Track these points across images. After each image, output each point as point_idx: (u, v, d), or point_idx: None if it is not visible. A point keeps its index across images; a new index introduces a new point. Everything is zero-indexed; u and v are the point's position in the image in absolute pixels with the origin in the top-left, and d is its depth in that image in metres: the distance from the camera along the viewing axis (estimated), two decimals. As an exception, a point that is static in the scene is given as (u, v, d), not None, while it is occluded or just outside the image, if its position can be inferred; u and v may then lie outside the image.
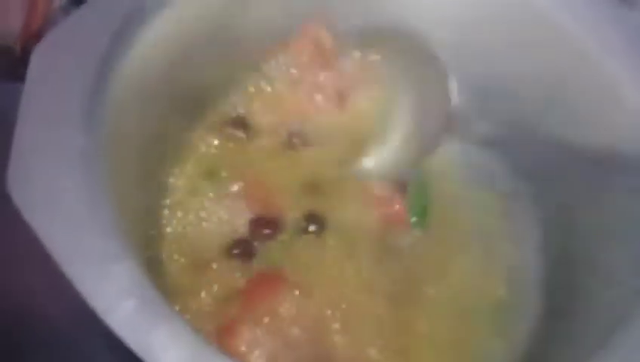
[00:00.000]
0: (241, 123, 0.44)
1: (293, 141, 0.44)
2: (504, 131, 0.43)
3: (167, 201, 0.40)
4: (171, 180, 0.41)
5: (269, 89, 0.45)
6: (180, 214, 0.40)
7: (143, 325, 0.24)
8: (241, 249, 0.39)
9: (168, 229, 0.39)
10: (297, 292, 0.37)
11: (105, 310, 0.24)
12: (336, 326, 0.37)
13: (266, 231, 0.40)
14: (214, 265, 0.39)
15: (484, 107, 0.44)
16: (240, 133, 0.43)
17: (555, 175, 0.40)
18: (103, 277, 0.25)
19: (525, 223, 0.42)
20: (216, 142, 0.43)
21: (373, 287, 0.39)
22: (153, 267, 0.34)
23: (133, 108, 0.34)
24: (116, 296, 0.24)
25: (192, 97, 0.41)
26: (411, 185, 0.43)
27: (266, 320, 0.37)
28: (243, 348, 0.35)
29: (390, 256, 0.41)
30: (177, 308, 0.33)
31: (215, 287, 0.38)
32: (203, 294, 0.38)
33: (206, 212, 0.40)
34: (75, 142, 0.28)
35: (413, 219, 0.42)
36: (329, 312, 0.38)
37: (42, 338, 0.39)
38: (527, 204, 0.43)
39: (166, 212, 0.39)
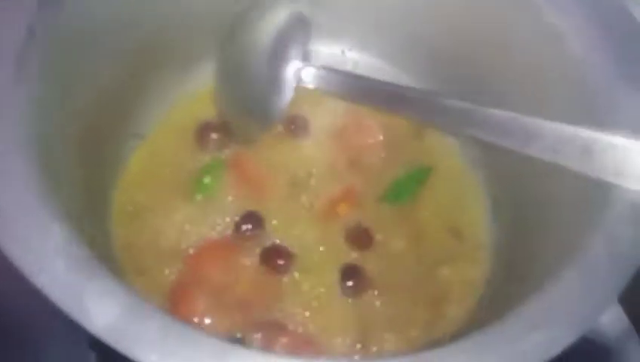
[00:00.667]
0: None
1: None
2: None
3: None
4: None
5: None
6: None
7: (73, 284, 0.24)
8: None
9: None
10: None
11: (33, 271, 0.24)
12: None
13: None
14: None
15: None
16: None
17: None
18: (31, 240, 0.24)
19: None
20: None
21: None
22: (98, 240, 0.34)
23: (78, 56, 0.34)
24: (46, 257, 0.24)
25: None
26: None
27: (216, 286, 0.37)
28: (195, 318, 0.36)
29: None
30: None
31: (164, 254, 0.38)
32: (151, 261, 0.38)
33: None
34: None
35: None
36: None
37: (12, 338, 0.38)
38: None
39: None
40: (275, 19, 0.41)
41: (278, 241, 0.39)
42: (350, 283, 0.38)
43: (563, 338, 0.25)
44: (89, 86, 0.37)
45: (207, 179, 0.41)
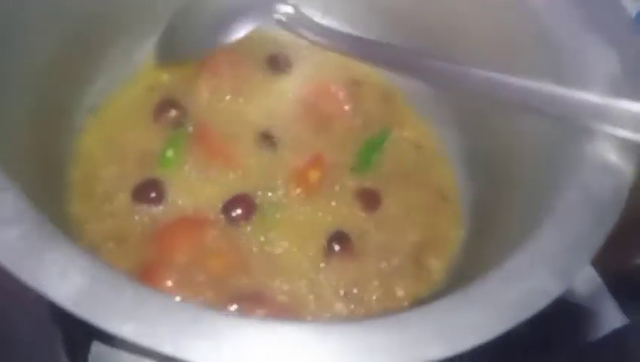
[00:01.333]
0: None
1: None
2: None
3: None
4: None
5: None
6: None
7: (33, 253, 0.22)
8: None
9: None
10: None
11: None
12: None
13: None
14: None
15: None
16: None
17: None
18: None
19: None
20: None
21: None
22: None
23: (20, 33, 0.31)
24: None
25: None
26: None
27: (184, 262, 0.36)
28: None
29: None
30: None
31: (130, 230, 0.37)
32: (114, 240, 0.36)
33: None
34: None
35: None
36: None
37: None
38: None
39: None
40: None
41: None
42: (337, 248, 0.37)
43: (549, 290, 0.24)
44: (39, 53, 0.34)
45: (169, 153, 0.39)
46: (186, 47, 0.42)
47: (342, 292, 0.36)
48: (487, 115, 0.38)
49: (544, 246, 0.26)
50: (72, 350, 0.37)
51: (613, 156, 0.28)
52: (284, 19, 0.41)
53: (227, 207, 0.37)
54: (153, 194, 0.38)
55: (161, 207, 0.38)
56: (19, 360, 0.37)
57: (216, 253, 0.37)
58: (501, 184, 0.36)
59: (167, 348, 0.21)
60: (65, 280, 0.21)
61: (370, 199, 0.40)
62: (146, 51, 0.43)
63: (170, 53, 0.42)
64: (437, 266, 0.37)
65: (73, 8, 0.37)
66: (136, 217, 0.37)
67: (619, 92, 0.29)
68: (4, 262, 0.21)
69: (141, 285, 0.22)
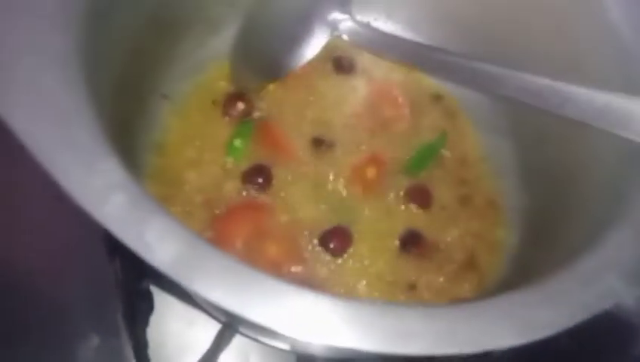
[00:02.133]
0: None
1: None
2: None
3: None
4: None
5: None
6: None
7: (134, 219, 0.23)
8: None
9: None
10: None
11: (94, 204, 0.23)
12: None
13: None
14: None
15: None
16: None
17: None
18: (90, 173, 0.24)
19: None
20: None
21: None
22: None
23: (112, 12, 0.32)
24: (104, 191, 0.23)
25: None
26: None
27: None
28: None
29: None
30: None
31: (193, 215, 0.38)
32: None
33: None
34: (51, 44, 0.27)
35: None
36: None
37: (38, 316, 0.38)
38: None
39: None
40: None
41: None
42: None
43: (620, 294, 0.25)
44: (124, 38, 0.36)
45: (237, 143, 0.41)
46: (258, 75, 0.44)
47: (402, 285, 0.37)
48: (547, 125, 0.39)
49: (615, 252, 0.27)
50: (131, 321, 0.38)
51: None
52: (344, 35, 0.42)
53: (324, 238, 0.38)
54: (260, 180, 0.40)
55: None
56: (79, 326, 0.39)
57: (275, 240, 0.38)
58: (559, 195, 0.37)
59: (251, 315, 0.22)
60: (163, 246, 0.23)
61: (422, 195, 0.41)
62: (216, 42, 0.44)
63: (244, 79, 0.44)
64: (490, 267, 0.38)
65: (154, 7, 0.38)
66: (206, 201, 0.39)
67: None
68: (112, 228, 0.22)
69: (226, 254, 0.24)
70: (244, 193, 0.40)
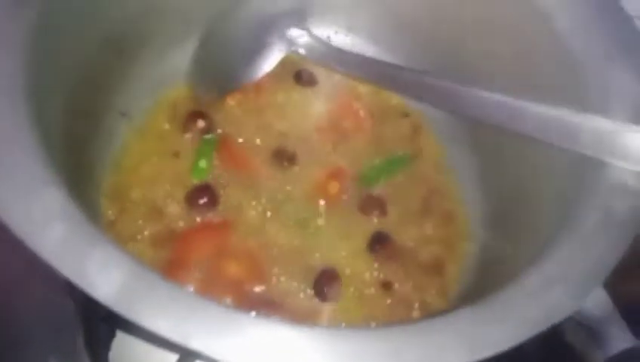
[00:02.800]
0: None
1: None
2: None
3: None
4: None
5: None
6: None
7: (74, 250, 0.23)
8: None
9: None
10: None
11: (32, 236, 0.23)
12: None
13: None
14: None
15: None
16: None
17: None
18: (29, 202, 0.23)
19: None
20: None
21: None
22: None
23: (58, 34, 0.32)
24: (44, 222, 0.23)
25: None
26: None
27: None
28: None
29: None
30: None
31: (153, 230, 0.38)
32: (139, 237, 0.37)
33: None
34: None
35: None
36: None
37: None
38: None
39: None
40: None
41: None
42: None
43: (565, 307, 0.25)
44: (76, 57, 0.35)
45: (202, 163, 0.41)
46: (216, 85, 0.44)
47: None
48: (505, 138, 0.39)
49: (562, 265, 0.27)
50: (93, 346, 0.38)
51: (631, 179, 0.29)
52: (301, 50, 0.42)
53: (317, 282, 0.38)
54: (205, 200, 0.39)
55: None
56: (38, 352, 0.38)
57: (236, 258, 0.38)
58: (516, 204, 0.37)
59: (195, 345, 0.22)
60: (105, 278, 0.22)
61: (376, 205, 0.41)
62: (174, 59, 0.44)
63: (203, 89, 0.44)
64: (454, 275, 0.38)
65: (111, 11, 0.38)
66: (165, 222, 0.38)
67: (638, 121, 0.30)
68: (51, 261, 0.22)
69: (173, 284, 0.23)
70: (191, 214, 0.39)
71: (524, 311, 0.25)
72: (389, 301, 0.37)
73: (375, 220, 0.41)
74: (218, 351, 0.22)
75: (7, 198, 0.23)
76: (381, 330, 0.25)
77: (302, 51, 0.42)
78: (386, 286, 0.38)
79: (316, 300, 0.37)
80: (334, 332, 0.25)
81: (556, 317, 0.25)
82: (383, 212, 0.41)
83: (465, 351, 0.23)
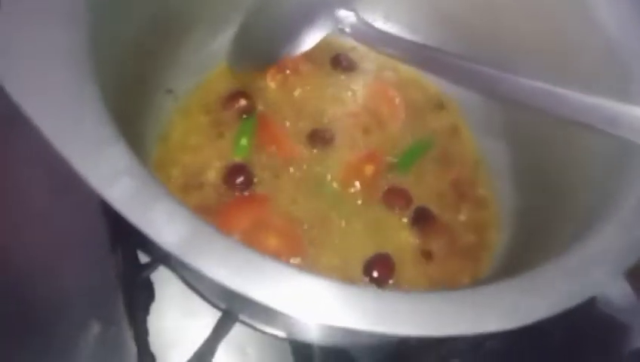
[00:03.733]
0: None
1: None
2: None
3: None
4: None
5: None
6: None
7: (142, 201, 0.24)
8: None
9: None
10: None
11: (104, 186, 0.24)
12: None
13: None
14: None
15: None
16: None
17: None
18: (99, 157, 0.25)
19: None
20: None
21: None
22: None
23: (118, 9, 0.34)
24: (114, 174, 0.24)
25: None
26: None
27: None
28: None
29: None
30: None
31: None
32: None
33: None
34: (60, 40, 0.28)
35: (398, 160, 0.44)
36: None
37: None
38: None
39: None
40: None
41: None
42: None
43: (601, 284, 0.26)
44: (127, 33, 0.37)
45: (243, 141, 0.42)
46: (255, 58, 0.45)
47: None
48: (541, 127, 0.40)
49: (601, 247, 0.28)
50: (132, 309, 0.39)
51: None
52: (347, 29, 0.44)
53: (368, 267, 0.39)
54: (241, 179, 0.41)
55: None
56: (81, 315, 0.40)
57: (275, 233, 0.39)
58: (551, 193, 0.38)
59: (253, 294, 0.23)
60: (169, 228, 0.24)
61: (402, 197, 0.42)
62: (220, 42, 0.46)
63: (241, 62, 0.45)
64: (484, 263, 0.39)
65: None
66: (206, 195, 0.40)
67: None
68: (121, 209, 0.23)
69: (230, 238, 0.25)
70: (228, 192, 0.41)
71: (560, 285, 0.26)
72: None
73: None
74: (273, 299, 0.23)
75: (81, 154, 0.25)
76: (419, 294, 0.26)
77: (348, 30, 0.43)
78: (427, 255, 0.40)
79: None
80: (374, 293, 0.26)
81: (593, 291, 0.26)
82: (408, 204, 0.42)
83: (500, 319, 0.24)
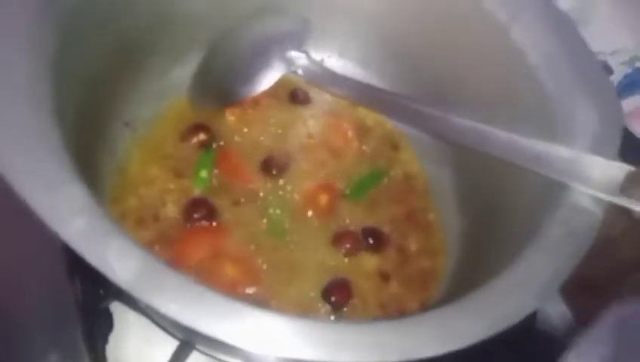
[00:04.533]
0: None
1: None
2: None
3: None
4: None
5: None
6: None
7: (96, 240, 0.25)
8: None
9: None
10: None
11: (60, 225, 0.25)
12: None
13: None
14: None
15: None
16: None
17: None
18: (56, 197, 0.26)
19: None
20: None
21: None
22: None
23: (78, 40, 0.35)
24: (69, 213, 0.26)
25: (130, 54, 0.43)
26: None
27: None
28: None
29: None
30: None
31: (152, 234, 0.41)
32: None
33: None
34: (20, 65, 0.29)
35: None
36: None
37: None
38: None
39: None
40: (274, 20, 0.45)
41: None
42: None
43: (528, 306, 0.29)
44: (89, 64, 0.38)
45: (203, 173, 0.44)
46: (215, 98, 0.47)
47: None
48: (480, 156, 0.43)
49: (528, 271, 0.30)
50: (91, 340, 0.40)
51: (588, 201, 0.33)
52: (299, 71, 0.46)
53: (327, 293, 0.41)
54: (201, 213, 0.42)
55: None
56: (38, 345, 0.40)
57: (229, 261, 0.41)
58: (490, 218, 0.41)
59: (205, 329, 0.25)
60: (123, 265, 0.25)
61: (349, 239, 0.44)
62: (178, 73, 0.47)
63: (201, 101, 0.47)
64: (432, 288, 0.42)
65: (120, 23, 0.40)
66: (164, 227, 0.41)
67: (596, 151, 0.34)
68: (77, 248, 0.25)
69: (182, 274, 0.26)
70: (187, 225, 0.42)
71: (493, 309, 0.28)
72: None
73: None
74: (220, 333, 0.25)
75: (37, 193, 0.26)
76: (364, 324, 0.28)
77: (300, 72, 0.45)
78: (385, 277, 0.42)
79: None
80: (322, 324, 0.28)
81: (523, 313, 0.28)
82: (356, 248, 0.43)
83: (439, 343, 0.26)
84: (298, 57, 0.45)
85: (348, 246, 0.43)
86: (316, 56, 0.50)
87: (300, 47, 0.45)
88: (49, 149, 0.27)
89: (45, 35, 0.31)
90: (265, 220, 0.43)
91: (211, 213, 0.42)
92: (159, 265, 0.26)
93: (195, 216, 0.42)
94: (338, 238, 0.43)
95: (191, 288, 0.26)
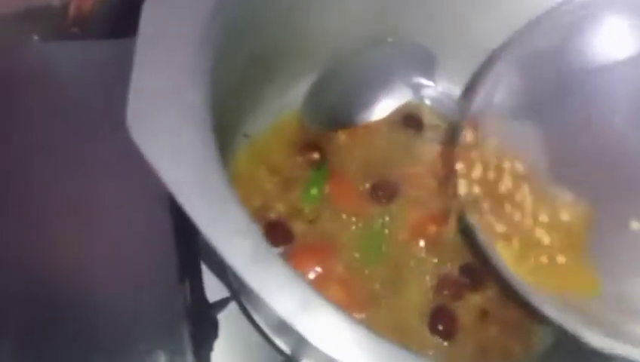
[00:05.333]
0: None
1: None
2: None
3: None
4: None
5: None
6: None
7: (259, 266, 0.26)
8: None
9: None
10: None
11: (224, 247, 0.26)
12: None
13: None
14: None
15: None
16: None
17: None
18: (222, 218, 0.26)
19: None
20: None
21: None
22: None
23: (232, 47, 0.35)
24: (234, 235, 0.26)
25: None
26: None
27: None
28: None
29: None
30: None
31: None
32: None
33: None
34: (189, 96, 0.30)
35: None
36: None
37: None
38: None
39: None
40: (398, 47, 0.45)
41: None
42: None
43: None
44: (229, 75, 0.38)
45: (314, 191, 0.44)
46: (328, 120, 0.47)
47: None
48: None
49: None
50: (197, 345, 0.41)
51: None
52: (426, 100, 0.45)
53: (433, 321, 0.41)
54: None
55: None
56: (148, 343, 0.41)
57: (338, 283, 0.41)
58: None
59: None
60: (282, 298, 0.25)
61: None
62: (296, 92, 0.48)
63: (314, 121, 0.47)
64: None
65: (263, 31, 0.41)
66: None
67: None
68: (239, 271, 0.25)
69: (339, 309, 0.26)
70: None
71: None
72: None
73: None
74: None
75: (204, 212, 0.26)
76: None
77: (427, 101, 0.45)
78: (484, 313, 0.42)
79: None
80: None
81: None
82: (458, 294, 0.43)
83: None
84: (426, 85, 0.45)
85: (446, 293, 0.42)
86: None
87: (427, 76, 0.45)
88: (215, 171, 0.28)
89: (207, 62, 0.32)
90: (368, 244, 0.43)
91: (289, 237, 0.42)
92: (319, 299, 0.26)
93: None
94: (440, 286, 0.43)
95: (350, 328, 0.26)
